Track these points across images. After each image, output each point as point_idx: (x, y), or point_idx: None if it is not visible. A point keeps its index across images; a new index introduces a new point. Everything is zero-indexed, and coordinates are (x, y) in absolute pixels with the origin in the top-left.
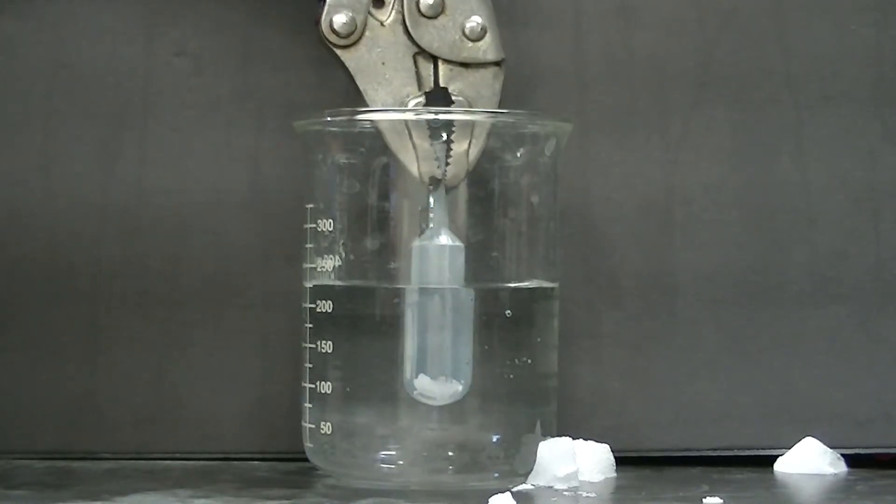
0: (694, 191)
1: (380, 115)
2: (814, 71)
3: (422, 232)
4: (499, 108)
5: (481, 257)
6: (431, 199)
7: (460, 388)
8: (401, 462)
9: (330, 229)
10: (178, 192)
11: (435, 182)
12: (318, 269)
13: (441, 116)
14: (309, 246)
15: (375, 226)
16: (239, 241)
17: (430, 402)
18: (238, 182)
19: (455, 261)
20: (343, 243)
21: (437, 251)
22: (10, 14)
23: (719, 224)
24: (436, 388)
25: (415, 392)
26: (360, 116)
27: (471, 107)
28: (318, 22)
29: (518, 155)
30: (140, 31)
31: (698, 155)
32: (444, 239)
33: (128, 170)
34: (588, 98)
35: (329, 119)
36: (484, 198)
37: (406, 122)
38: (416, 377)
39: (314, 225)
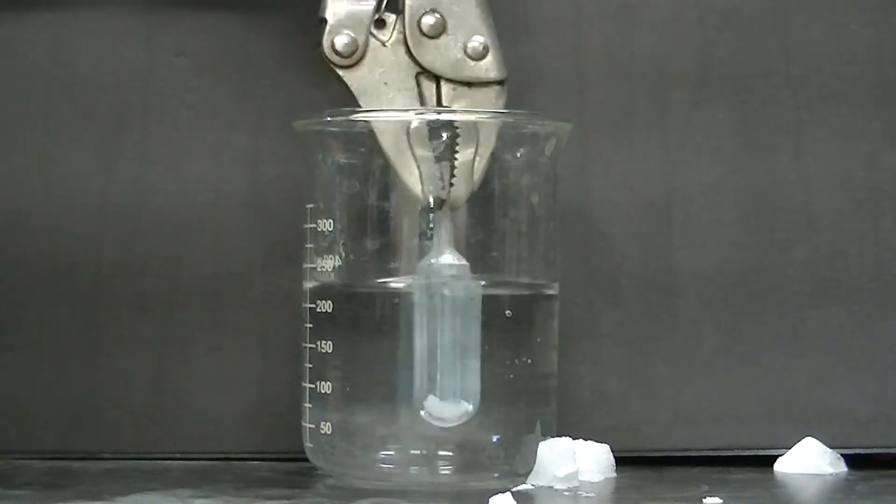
0: (694, 191)
1: (379, 114)
2: (814, 71)
3: (426, 248)
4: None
5: (481, 257)
6: (434, 219)
7: (470, 408)
8: (401, 462)
9: (330, 229)
10: (178, 192)
11: (439, 202)
12: (318, 269)
13: (443, 116)
14: (309, 246)
15: (375, 226)
16: (239, 241)
17: (440, 424)
18: (238, 182)
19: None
20: (343, 243)
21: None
22: (10, 14)
23: (719, 224)
24: (446, 409)
25: (423, 413)
26: (360, 116)
27: (475, 126)
28: (317, 45)
29: (518, 155)
30: (140, 31)
31: (698, 155)
32: (449, 258)
33: (128, 170)
34: (588, 98)
35: (329, 119)
36: (484, 198)
37: (409, 142)
38: (426, 398)
39: (314, 225)
